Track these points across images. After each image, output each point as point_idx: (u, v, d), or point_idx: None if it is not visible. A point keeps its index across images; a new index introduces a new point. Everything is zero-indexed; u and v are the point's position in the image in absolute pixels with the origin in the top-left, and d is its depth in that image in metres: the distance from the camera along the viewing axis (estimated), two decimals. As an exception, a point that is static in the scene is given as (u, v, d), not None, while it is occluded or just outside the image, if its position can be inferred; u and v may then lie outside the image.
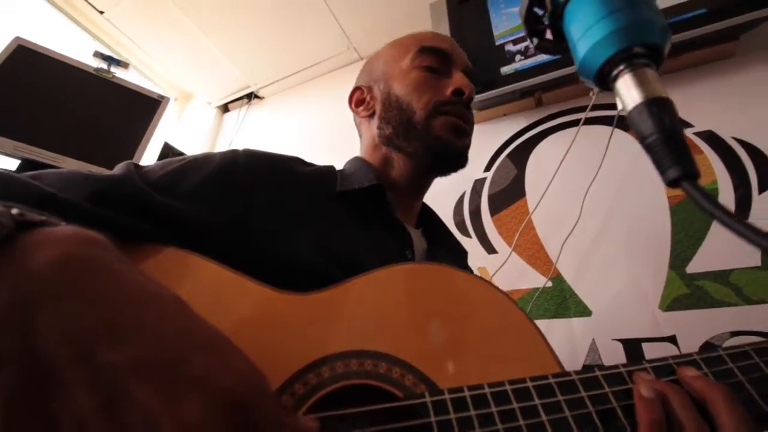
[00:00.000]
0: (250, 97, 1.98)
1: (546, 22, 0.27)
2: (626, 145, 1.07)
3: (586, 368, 0.33)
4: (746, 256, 0.85)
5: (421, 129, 0.54)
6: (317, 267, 0.38)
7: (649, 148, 0.20)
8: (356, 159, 0.60)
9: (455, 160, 0.57)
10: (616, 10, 0.22)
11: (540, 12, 0.28)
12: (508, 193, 1.16)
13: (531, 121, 1.23)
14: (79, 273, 0.18)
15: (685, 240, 0.92)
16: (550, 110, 1.21)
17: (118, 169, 0.38)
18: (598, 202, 1.02)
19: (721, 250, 0.88)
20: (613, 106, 1.10)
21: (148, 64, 1.72)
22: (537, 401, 0.28)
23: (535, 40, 0.28)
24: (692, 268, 0.88)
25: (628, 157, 1.05)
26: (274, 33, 1.63)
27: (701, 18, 0.96)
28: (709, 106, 1.00)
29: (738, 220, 0.16)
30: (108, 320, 0.18)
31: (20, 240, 0.19)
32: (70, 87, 1.09)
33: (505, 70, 1.15)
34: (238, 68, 1.77)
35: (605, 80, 0.23)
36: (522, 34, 1.18)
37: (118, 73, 1.17)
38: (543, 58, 1.13)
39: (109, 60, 1.15)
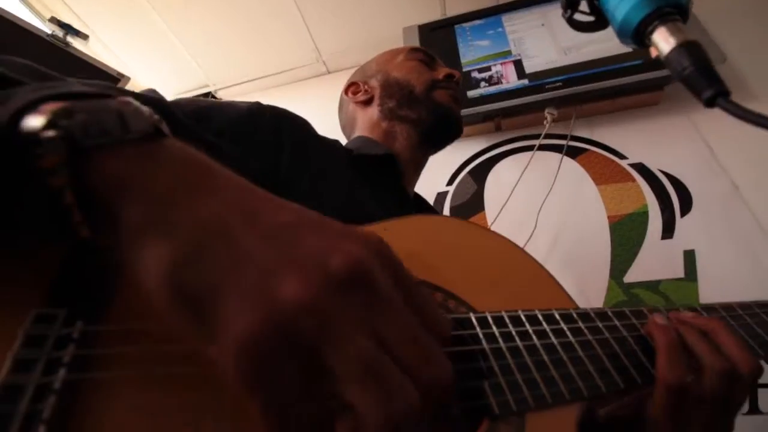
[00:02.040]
0: (207, 96, 1.92)
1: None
2: (574, 170, 1.20)
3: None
4: (671, 269, 0.98)
5: (423, 98, 0.61)
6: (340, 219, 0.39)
7: (686, 79, 0.25)
8: (359, 137, 0.62)
9: (455, 125, 0.64)
10: (650, -20, 0.27)
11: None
12: (469, 206, 1.23)
13: (491, 143, 1.33)
14: (212, 168, 0.20)
15: (623, 253, 1.04)
16: (508, 135, 1.32)
17: (149, 92, 0.36)
18: (550, 219, 1.12)
19: (651, 263, 1.00)
20: (564, 137, 1.23)
21: (105, 43, 1.61)
22: (563, 325, 0.30)
23: (569, 12, 0.33)
24: (629, 278, 0.99)
25: (575, 181, 1.17)
26: (243, 35, 1.61)
27: (636, 68, 1.13)
28: (641, 142, 1.16)
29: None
30: (255, 194, 0.19)
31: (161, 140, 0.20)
32: (15, 50, 0.99)
33: (471, 94, 1.25)
34: (198, 64, 1.72)
35: (641, 36, 0.28)
36: (487, 64, 1.30)
37: (76, 44, 1.08)
38: (505, 86, 1.24)
39: (67, 28, 1.06)
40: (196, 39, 1.61)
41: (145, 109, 0.20)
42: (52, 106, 0.18)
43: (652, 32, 0.27)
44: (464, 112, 1.23)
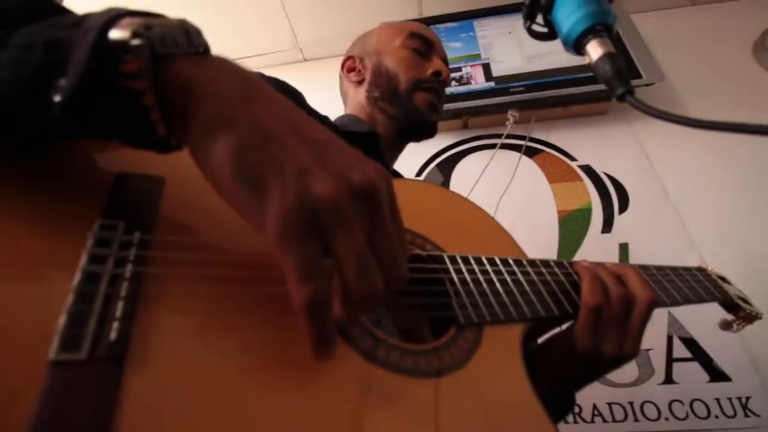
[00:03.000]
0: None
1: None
2: (530, 168, 1.32)
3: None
4: (608, 259, 1.09)
5: (403, 98, 0.65)
6: None
7: (607, 80, 0.34)
8: (348, 115, 0.68)
9: (426, 130, 0.69)
10: (587, 2, 0.36)
11: (535, 6, 0.41)
12: (435, 196, 1.32)
13: (458, 140, 1.42)
14: (260, 81, 0.25)
15: (568, 244, 1.16)
16: (474, 133, 1.42)
17: None
18: (509, 211, 1.23)
19: (592, 254, 1.13)
20: (523, 137, 1.35)
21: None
22: (515, 267, 0.39)
23: (528, 22, 0.41)
24: (574, 263, 1.12)
25: (531, 178, 1.29)
26: (220, 14, 1.61)
27: (588, 79, 1.26)
28: (589, 147, 1.30)
29: (662, 111, 0.29)
30: (300, 114, 0.24)
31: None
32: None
33: (443, 91, 1.34)
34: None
35: (579, 46, 0.36)
36: (458, 65, 1.39)
37: None
38: (474, 87, 1.34)
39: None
40: (170, 13, 1.59)
41: (202, 33, 0.24)
42: (131, 21, 0.22)
43: (586, 44, 0.35)
44: (435, 108, 1.32)
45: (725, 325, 0.59)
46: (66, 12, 0.27)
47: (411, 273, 0.33)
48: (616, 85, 0.33)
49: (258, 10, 1.60)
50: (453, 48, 1.44)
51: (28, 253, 0.22)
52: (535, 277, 0.39)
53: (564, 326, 0.42)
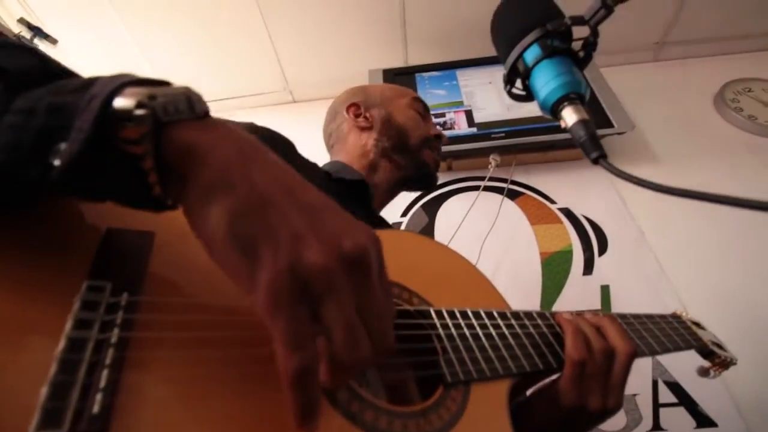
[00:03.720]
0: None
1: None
2: (512, 210, 1.35)
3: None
4: (590, 301, 1.13)
5: (414, 152, 0.72)
6: None
7: (582, 144, 0.36)
8: (337, 162, 0.70)
9: (429, 182, 0.77)
10: (562, 73, 0.39)
11: (514, 73, 0.44)
12: (421, 237, 1.33)
13: (442, 181, 1.46)
14: (260, 145, 0.26)
15: (551, 286, 1.18)
16: (458, 175, 1.46)
17: None
18: (492, 252, 1.25)
19: (574, 296, 1.15)
20: (505, 180, 1.39)
21: (75, 51, 1.58)
22: (499, 320, 0.39)
23: (508, 87, 0.44)
24: (556, 308, 1.13)
25: (513, 220, 1.32)
26: (213, 55, 1.66)
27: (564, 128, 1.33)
28: (568, 190, 1.35)
29: (638, 179, 0.31)
30: (295, 177, 0.25)
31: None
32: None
33: (428, 135, 1.39)
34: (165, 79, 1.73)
35: (555, 112, 0.39)
36: (442, 111, 1.45)
37: (42, 47, 1.08)
38: (457, 131, 1.40)
39: (36, 31, 1.06)
40: (163, 55, 1.63)
41: (203, 98, 0.25)
42: (136, 90, 0.22)
43: (561, 110, 0.38)
44: (420, 151, 1.36)
45: (703, 372, 0.61)
46: (72, 75, 0.27)
47: (399, 330, 0.33)
48: (590, 150, 0.35)
49: (250, 54, 1.66)
50: (437, 95, 1.50)
51: (12, 320, 0.22)
52: (519, 330, 0.40)
53: (548, 380, 0.42)
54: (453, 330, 0.36)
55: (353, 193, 0.62)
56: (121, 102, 0.22)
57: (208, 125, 0.24)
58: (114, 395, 0.21)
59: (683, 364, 0.95)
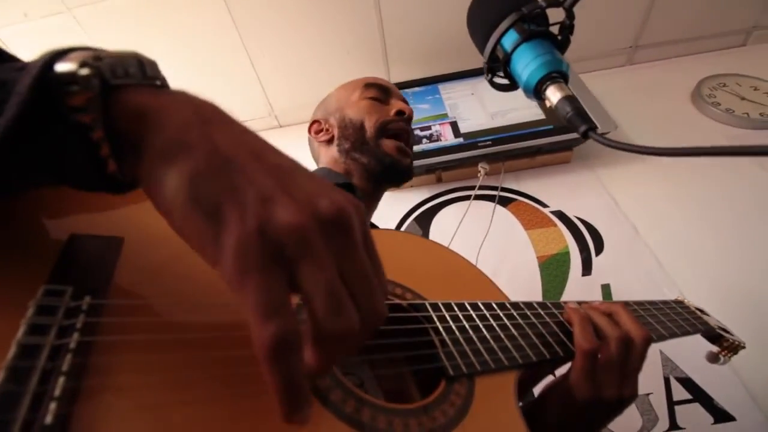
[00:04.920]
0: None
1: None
2: (505, 217, 1.34)
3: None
4: (592, 300, 1.10)
5: (372, 146, 0.67)
6: None
7: (569, 120, 0.35)
8: (322, 168, 0.68)
9: (402, 174, 0.70)
10: (541, 54, 0.38)
11: (494, 61, 0.43)
12: (415, 250, 1.31)
13: (432, 193, 1.45)
14: (222, 110, 0.23)
15: (552, 289, 1.15)
16: (448, 186, 1.46)
17: None
18: (488, 259, 1.23)
19: (576, 296, 1.12)
20: (495, 188, 1.39)
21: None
22: (499, 312, 0.37)
23: (490, 76, 0.44)
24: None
25: (507, 226, 1.31)
26: (194, 84, 1.66)
27: (548, 131, 1.34)
28: (559, 193, 1.35)
29: (628, 144, 0.30)
30: (262, 141, 0.23)
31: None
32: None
33: (415, 148, 1.39)
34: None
35: (539, 92, 0.38)
36: (427, 124, 1.46)
37: None
38: (444, 143, 1.40)
39: None
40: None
41: (157, 65, 0.24)
42: (81, 53, 0.21)
43: (545, 90, 0.37)
44: (408, 164, 1.35)
45: (712, 358, 0.58)
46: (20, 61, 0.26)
47: (393, 324, 0.31)
48: (578, 124, 0.34)
49: (234, 82, 1.67)
50: (421, 109, 1.52)
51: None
52: (520, 320, 0.38)
53: (559, 377, 0.40)
54: (451, 322, 0.34)
55: None
56: (63, 66, 0.20)
57: (162, 90, 0.23)
58: (72, 404, 0.19)
59: (693, 359, 0.92)
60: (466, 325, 0.34)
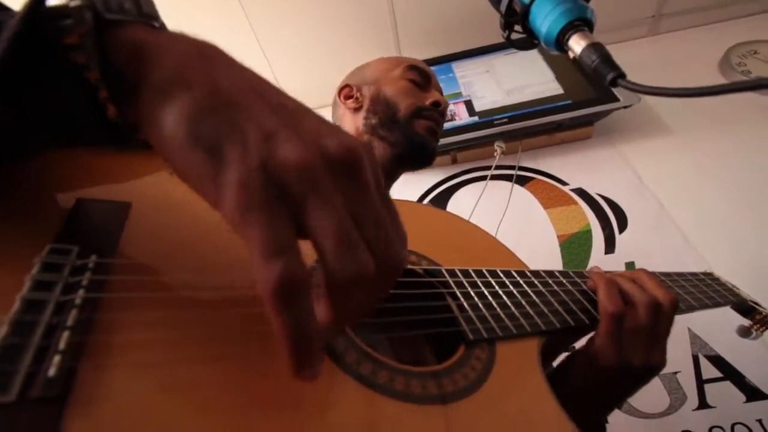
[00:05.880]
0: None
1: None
2: (523, 196, 1.31)
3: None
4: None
5: (403, 124, 0.65)
6: None
7: (594, 69, 0.33)
8: None
9: (427, 155, 0.68)
10: (562, 2, 0.36)
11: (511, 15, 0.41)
12: (431, 232, 1.30)
13: (448, 174, 1.43)
14: (224, 50, 0.22)
15: (573, 269, 1.12)
16: (463, 167, 1.43)
17: None
18: (506, 240, 1.19)
19: (598, 276, 1.09)
20: (513, 167, 1.36)
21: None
22: (519, 279, 0.36)
23: (507, 32, 0.41)
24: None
25: (525, 206, 1.28)
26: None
27: (567, 107, 1.29)
28: (579, 170, 1.31)
29: (659, 88, 0.28)
30: (267, 82, 0.21)
31: None
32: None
33: (429, 129, 1.36)
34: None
35: (561, 44, 0.36)
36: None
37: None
38: (458, 122, 1.37)
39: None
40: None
41: (155, 4, 0.22)
42: None
43: (568, 40, 0.35)
44: (423, 145, 1.33)
45: (743, 332, 0.55)
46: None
47: (407, 288, 0.30)
48: (605, 72, 0.32)
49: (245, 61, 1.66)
50: (434, 89, 1.49)
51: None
52: (541, 288, 0.36)
53: (580, 345, 0.38)
54: (469, 288, 0.32)
55: None
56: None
57: (160, 29, 0.21)
58: (76, 358, 0.18)
59: (723, 336, 0.89)
60: (485, 291, 0.32)
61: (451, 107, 1.41)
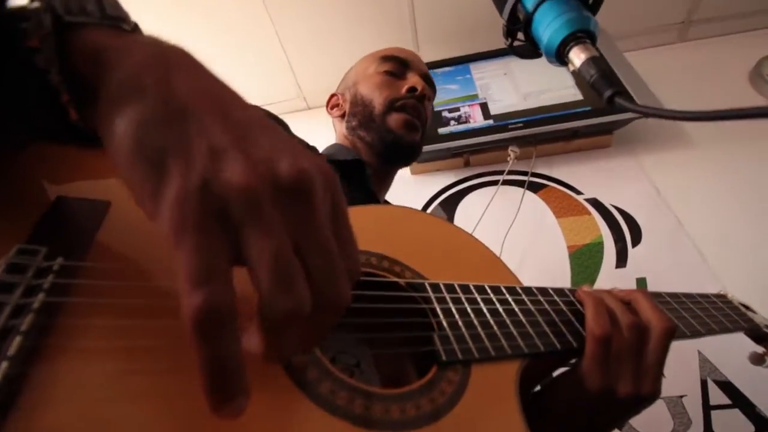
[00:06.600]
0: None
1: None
2: (535, 203, 1.28)
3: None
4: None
5: (378, 122, 0.63)
6: None
7: (593, 84, 0.31)
8: (334, 144, 0.67)
9: (405, 151, 0.66)
10: (566, 11, 0.34)
11: (514, 23, 0.40)
12: (439, 235, 1.28)
13: (459, 178, 1.41)
14: (191, 54, 0.22)
15: (582, 281, 1.09)
16: (476, 171, 1.41)
17: None
18: (515, 248, 1.18)
19: (607, 290, 1.06)
20: (526, 173, 1.33)
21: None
22: (508, 296, 0.34)
23: (510, 40, 0.40)
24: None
25: (536, 213, 1.25)
26: (224, 64, 1.68)
27: (586, 113, 1.25)
28: (595, 180, 1.27)
29: (656, 108, 0.26)
30: (230, 92, 0.21)
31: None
32: None
33: (442, 131, 1.34)
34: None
35: (561, 55, 0.34)
36: (456, 105, 1.41)
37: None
38: (473, 125, 1.35)
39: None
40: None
41: (122, 6, 0.22)
42: None
43: (568, 51, 0.33)
44: (436, 147, 1.31)
45: (756, 359, 0.53)
46: None
47: (386, 303, 0.29)
48: (603, 88, 0.30)
49: (263, 62, 1.67)
50: (450, 90, 1.46)
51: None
52: (531, 306, 0.35)
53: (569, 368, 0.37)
54: (451, 304, 0.31)
55: (350, 174, 0.59)
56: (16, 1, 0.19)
57: (122, 31, 0.21)
58: (26, 364, 0.18)
59: (735, 361, 0.85)
60: (468, 308, 0.31)
61: (465, 109, 1.39)
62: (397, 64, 0.69)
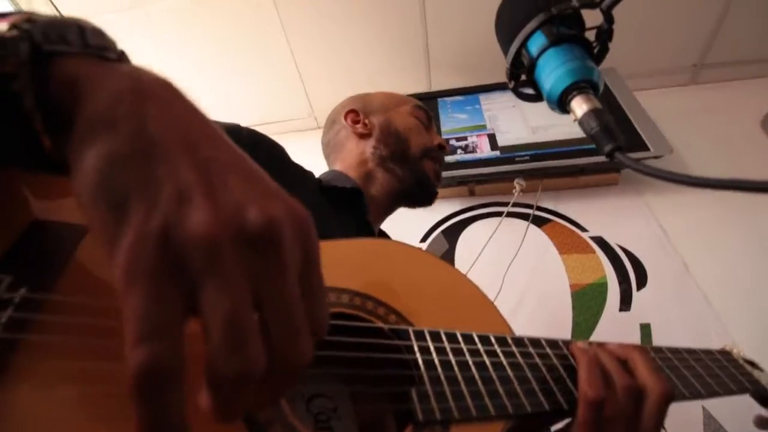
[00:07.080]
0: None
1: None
2: (539, 238, 1.26)
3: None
4: (629, 341, 1.00)
5: (412, 162, 0.67)
6: None
7: (593, 137, 0.30)
8: (333, 171, 0.67)
9: (428, 197, 0.71)
10: (569, 60, 0.34)
11: (518, 67, 0.39)
12: (439, 264, 1.26)
13: (464, 207, 1.40)
14: (171, 85, 0.21)
15: (583, 322, 1.06)
16: (480, 200, 1.40)
17: None
18: (516, 282, 1.16)
19: (610, 334, 1.03)
20: (531, 206, 1.31)
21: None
22: (497, 347, 0.33)
23: (513, 83, 0.39)
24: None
25: (540, 248, 1.23)
26: (238, 82, 1.71)
27: (594, 150, 1.24)
28: (601, 218, 1.25)
29: (659, 169, 0.25)
30: (207, 128, 0.20)
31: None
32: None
33: (448, 159, 1.34)
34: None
35: (563, 103, 0.34)
36: (464, 134, 1.41)
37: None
38: (480, 155, 1.35)
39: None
40: (190, 83, 1.70)
41: (108, 35, 0.22)
42: (15, 17, 0.19)
43: (570, 101, 0.33)
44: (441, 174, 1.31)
45: (761, 423, 0.50)
46: None
47: (365, 351, 0.28)
48: (603, 142, 0.29)
49: (277, 80, 1.70)
50: (458, 119, 1.47)
51: None
52: (521, 360, 0.33)
53: (558, 426, 0.35)
54: (435, 355, 0.30)
55: (347, 202, 0.58)
56: None
57: (102, 61, 0.20)
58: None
59: (742, 418, 0.81)
60: (453, 361, 0.30)
61: (473, 139, 1.40)
62: (426, 119, 0.75)
